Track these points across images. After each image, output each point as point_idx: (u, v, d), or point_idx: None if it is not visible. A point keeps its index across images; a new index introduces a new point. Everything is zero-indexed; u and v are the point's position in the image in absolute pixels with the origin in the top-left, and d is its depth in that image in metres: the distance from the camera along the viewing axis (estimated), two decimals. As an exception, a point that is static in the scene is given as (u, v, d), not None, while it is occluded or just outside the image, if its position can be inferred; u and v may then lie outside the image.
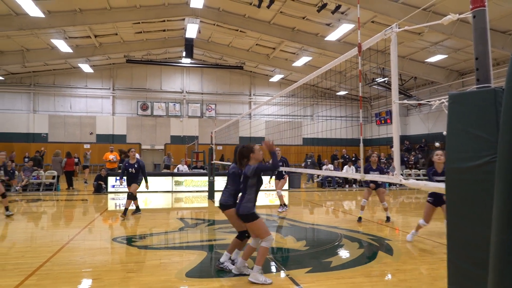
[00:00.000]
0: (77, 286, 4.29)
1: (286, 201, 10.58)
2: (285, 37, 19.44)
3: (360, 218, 8.33)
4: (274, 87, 28.66)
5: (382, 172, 8.23)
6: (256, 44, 21.91)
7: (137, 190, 9.18)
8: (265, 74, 27.96)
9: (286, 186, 15.91)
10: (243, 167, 4.59)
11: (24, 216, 9.31)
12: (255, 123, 26.67)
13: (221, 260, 4.84)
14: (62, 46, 19.40)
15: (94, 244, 6.31)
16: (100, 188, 14.25)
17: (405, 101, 10.27)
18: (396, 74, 3.49)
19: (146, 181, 9.00)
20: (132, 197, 8.97)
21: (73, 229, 7.51)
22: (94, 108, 26.36)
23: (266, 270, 4.86)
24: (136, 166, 8.98)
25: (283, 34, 19.28)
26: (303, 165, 20.00)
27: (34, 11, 14.86)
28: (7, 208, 8.92)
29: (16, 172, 15.32)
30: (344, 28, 16.88)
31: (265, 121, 26.21)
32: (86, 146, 24.85)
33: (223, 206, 4.87)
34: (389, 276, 4.72)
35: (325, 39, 18.67)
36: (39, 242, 6.41)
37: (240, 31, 19.83)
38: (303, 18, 17.50)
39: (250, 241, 4.71)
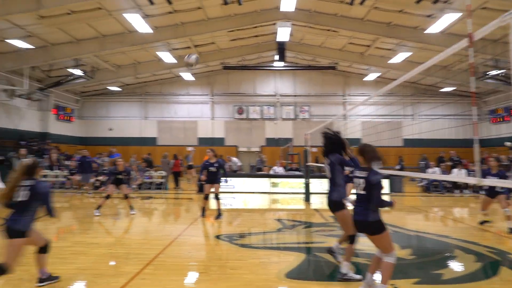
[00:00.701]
0: (186, 278, 4.65)
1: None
2: (381, 33, 18.47)
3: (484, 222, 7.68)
4: (370, 86, 27.44)
5: (503, 177, 7.23)
6: (349, 43, 21.25)
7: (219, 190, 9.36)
8: (360, 73, 26.94)
9: (387, 189, 15.09)
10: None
11: (140, 212, 10.40)
12: (350, 124, 25.87)
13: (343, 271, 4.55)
14: (167, 57, 21.26)
15: (200, 240, 6.77)
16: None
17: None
18: (518, 65, 3.07)
19: (225, 177, 9.72)
20: (215, 197, 9.27)
21: (180, 225, 8.16)
22: (195, 113, 28.33)
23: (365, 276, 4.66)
24: (216, 165, 9.33)
25: (378, 30, 18.36)
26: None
27: (144, 28, 16.56)
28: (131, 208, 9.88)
29: (133, 172, 17.21)
30: (448, 18, 15.39)
31: (361, 122, 25.25)
32: (189, 148, 26.84)
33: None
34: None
35: (426, 32, 17.26)
36: (153, 236, 7.10)
37: (332, 30, 19.44)
38: (400, 11, 16.44)
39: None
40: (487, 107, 25.73)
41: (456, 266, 5.20)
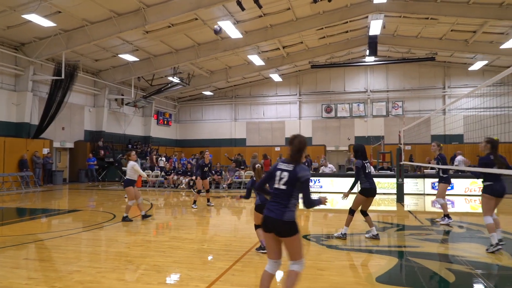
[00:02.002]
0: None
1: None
2: (490, 16, 16.45)
3: None
4: (475, 76, 24.69)
5: None
6: (451, 30, 19.36)
7: None
8: (463, 63, 24.40)
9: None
10: None
11: (229, 210, 10.85)
12: (450, 120, 23.61)
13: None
14: (256, 60, 21.86)
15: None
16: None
17: None
18: None
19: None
20: None
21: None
22: (283, 114, 28.64)
23: (468, 286, 4.19)
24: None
25: (487, 13, 16.38)
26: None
27: (235, 34, 17.25)
28: (194, 202, 11.01)
29: (223, 172, 18.03)
30: None
31: (463, 116, 22.85)
32: (277, 149, 27.18)
33: None
34: None
35: (548, 8, 14.91)
36: (242, 234, 7.33)
37: (431, 18, 17.93)
38: (514, -11, 14.49)
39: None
40: None
41: None
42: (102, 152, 21.08)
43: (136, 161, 8.84)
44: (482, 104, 21.06)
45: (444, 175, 8.02)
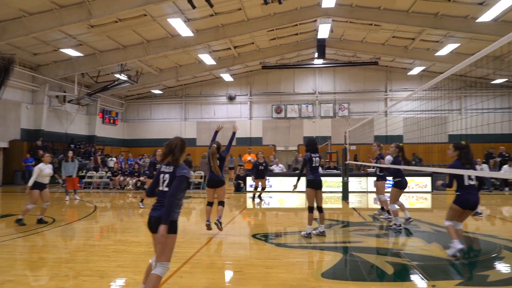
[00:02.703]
0: (222, 276, 4.69)
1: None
2: (427, 25, 17.65)
3: None
4: (414, 81, 26.37)
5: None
6: (393, 37, 20.52)
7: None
8: (403, 68, 25.97)
9: (429, 188, 14.46)
10: None
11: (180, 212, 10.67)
12: (391, 121, 25.00)
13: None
14: (207, 59, 21.69)
15: (236, 239, 6.80)
16: (239, 187, 15.38)
17: None
18: None
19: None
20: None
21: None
22: (233, 114, 28.68)
23: (405, 277, 4.48)
24: (264, 164, 11.89)
25: (424, 22, 17.55)
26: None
27: (186, 32, 16.98)
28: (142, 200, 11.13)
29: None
30: (502, 5, 14.39)
31: (403, 118, 24.30)
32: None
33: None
34: None
35: (477, 21, 16.28)
36: (191, 235, 7.23)
37: (374, 25, 18.87)
38: (449, 0, 15.63)
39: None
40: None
41: (503, 268, 4.87)
42: (41, 152, 19.75)
43: (51, 163, 8.38)
44: (419, 107, 22.51)
45: (381, 174, 8.60)
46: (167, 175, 3.62)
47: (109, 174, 17.74)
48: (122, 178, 17.20)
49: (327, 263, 5.13)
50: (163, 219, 3.41)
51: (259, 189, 12.48)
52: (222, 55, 22.95)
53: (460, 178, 5.41)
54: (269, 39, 21.32)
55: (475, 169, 6.07)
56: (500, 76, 22.79)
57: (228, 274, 4.79)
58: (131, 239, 6.74)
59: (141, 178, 16.90)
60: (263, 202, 12.06)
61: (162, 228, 3.39)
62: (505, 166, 14.42)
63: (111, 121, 27.50)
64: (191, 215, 9.99)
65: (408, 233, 7.08)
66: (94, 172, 18.16)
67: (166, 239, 3.44)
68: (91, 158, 20.80)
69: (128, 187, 16.69)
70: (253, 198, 12.39)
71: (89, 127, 25.73)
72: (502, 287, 4.17)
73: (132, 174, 17.22)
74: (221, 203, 7.04)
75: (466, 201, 5.36)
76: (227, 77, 26.12)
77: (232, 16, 17.68)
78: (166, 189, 3.57)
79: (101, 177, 17.84)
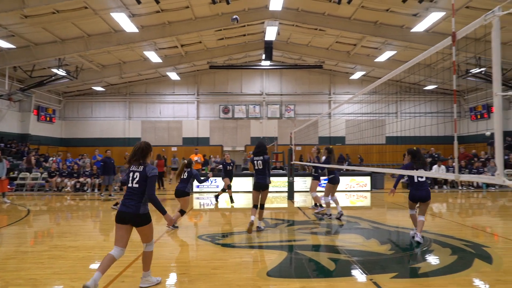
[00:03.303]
0: (166, 279, 4.58)
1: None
2: (367, 32, 18.64)
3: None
4: (355, 85, 27.70)
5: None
6: (336, 42, 21.39)
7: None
8: (346, 72, 27.17)
9: (368, 187, 15.26)
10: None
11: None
12: (335, 123, 26.06)
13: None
14: (153, 57, 21.08)
15: (181, 241, 6.70)
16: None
17: (509, 93, 9.05)
18: (499, 63, 3.11)
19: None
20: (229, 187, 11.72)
21: (162, 226, 8.06)
22: (180, 113, 28.17)
23: (346, 272, 4.69)
24: (232, 164, 11.95)
25: (365, 29, 18.51)
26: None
27: (130, 27, 16.36)
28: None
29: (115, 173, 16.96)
30: (433, 17, 15.63)
31: (345, 120, 25.43)
32: (174, 149, 26.63)
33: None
34: (487, 287, 4.22)
35: (412, 30, 17.49)
36: (134, 237, 6.95)
37: (319, 29, 19.54)
38: (387, 10, 16.62)
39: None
40: (467, 105, 26.22)
41: (432, 260, 5.27)
42: (-35, 151, 17.99)
43: None
44: (360, 109, 23.71)
45: (315, 174, 9.89)
46: (137, 173, 4.15)
47: (45, 175, 16.60)
48: (59, 179, 16.18)
49: (272, 261, 5.21)
50: (161, 212, 4.29)
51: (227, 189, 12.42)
52: (169, 53, 22.45)
53: (411, 177, 6.36)
54: (217, 39, 21.22)
55: (426, 170, 7.05)
56: (430, 83, 24.67)
57: (173, 277, 4.70)
58: (69, 244, 6.36)
59: (81, 179, 16.03)
60: (211, 203, 11.98)
61: (166, 217, 4.44)
62: (435, 166, 15.60)
63: (48, 118, 25.69)
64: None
65: (341, 226, 7.55)
66: (28, 174, 16.89)
67: (150, 228, 4.26)
68: (24, 158, 19.31)
69: (66, 189, 15.74)
70: (216, 197, 12.08)
71: (22, 125, 23.81)
72: (431, 277, 4.51)
73: (70, 175, 16.27)
74: (181, 212, 7.75)
75: (413, 196, 6.40)
76: (173, 75, 25.59)
77: (179, 13, 17.36)
78: (136, 185, 4.12)
79: (35, 179, 16.64)
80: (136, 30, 17.00)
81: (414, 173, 5.84)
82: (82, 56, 19.97)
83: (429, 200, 6.39)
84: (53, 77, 20.89)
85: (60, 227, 8.18)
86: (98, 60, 21.77)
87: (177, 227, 7.76)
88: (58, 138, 27.36)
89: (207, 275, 4.66)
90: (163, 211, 4.25)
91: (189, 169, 7.99)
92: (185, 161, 8.17)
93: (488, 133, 15.41)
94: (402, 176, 6.77)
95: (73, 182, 15.92)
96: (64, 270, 4.89)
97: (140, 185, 4.10)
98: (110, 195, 13.70)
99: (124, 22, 15.69)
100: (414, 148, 6.72)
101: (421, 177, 6.39)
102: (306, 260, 5.28)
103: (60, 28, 16.92)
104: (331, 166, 8.54)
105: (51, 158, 19.09)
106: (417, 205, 6.51)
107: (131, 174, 4.16)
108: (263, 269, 4.87)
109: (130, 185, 4.13)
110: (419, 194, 6.33)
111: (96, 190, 15.65)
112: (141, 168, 4.16)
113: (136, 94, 28.07)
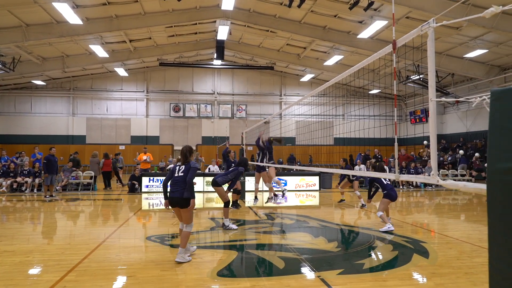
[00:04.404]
0: (113, 283, 4.42)
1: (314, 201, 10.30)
2: (316, 36, 19.23)
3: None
4: (305, 87, 28.45)
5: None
6: (287, 44, 21.83)
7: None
8: (296, 74, 27.81)
9: (317, 186, 15.75)
10: None
11: (64, 215, 9.73)
12: (285, 123, 26.58)
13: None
14: (99, 51, 20.16)
15: (129, 243, 6.49)
16: (134, 188, 14.66)
17: (443, 99, 9.85)
18: (433, 71, 3.37)
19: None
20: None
21: (109, 227, 7.76)
22: (129, 111, 27.22)
23: (295, 270, 4.83)
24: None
25: (314, 33, 19.09)
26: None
27: (73, 19, 15.52)
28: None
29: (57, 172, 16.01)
30: (377, 25, 16.49)
31: (295, 121, 26.03)
32: (121, 147, 25.69)
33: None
34: (425, 279, 4.55)
35: (358, 36, 18.33)
36: (78, 240, 6.67)
37: (270, 31, 19.83)
38: (335, 16, 17.26)
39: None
40: (407, 109, 27.95)
41: (376, 256, 5.57)
42: None
43: None
44: (309, 111, 24.40)
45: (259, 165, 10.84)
46: (182, 167, 5.38)
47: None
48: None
49: (222, 261, 5.22)
50: (191, 196, 5.25)
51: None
52: (116, 47, 21.60)
53: (380, 181, 7.65)
54: (167, 35, 20.78)
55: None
56: (374, 87, 26.01)
57: (120, 280, 4.54)
58: (4, 248, 5.92)
59: (18, 179, 14.94)
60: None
61: (192, 202, 5.26)
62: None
63: (-21, 113, 23.65)
64: (79, 219, 9.19)
65: (290, 225, 7.66)
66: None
67: (190, 211, 5.27)
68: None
69: (1, 189, 14.59)
70: None
71: None
72: (374, 272, 4.78)
73: (6, 175, 15.10)
74: None
75: (391, 196, 7.49)
76: (121, 71, 24.65)
77: (127, 7, 16.77)
78: (181, 174, 5.28)
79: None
80: (80, 22, 16.19)
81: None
82: (20, 47, 18.62)
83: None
84: (-14, 69, 19.28)
85: (-7, 231, 7.57)
86: (38, 52, 20.42)
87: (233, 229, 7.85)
88: (-8, 134, 25.30)
89: (155, 277, 4.56)
90: (193, 195, 5.26)
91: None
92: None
93: (426, 142, 16.60)
94: (377, 188, 7.91)
95: (9, 182, 14.80)
96: (-2, 277, 4.55)
97: (184, 174, 5.24)
98: (51, 195, 12.89)
99: (67, 13, 14.86)
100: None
101: (387, 180, 7.73)
102: (256, 259, 5.36)
103: (-5, 16, 15.67)
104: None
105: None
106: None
107: (177, 168, 5.39)
108: (213, 270, 4.86)
109: (176, 175, 5.31)
110: (395, 194, 7.53)
111: (35, 190, 14.66)
112: (185, 164, 5.38)
113: (80, 89, 26.68)
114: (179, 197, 5.15)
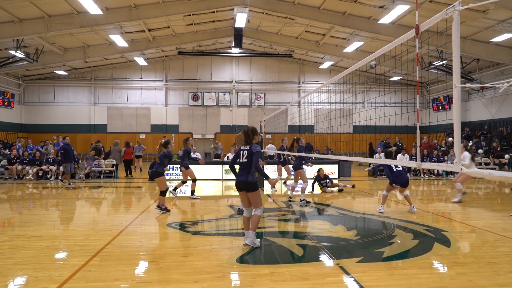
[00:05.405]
0: (135, 268, 4.54)
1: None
2: (336, 22, 18.84)
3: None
4: (324, 74, 28.07)
5: None
6: (306, 31, 21.51)
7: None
8: (315, 62, 27.44)
9: (336, 175, 15.63)
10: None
11: (87, 202, 10.01)
12: (304, 111, 26.38)
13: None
14: (119, 41, 20.37)
15: (150, 229, 6.63)
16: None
17: (468, 85, 9.53)
18: (458, 56, 3.26)
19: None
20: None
21: (131, 214, 7.95)
22: (148, 100, 27.54)
23: (314, 258, 4.84)
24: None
25: (334, 19, 18.71)
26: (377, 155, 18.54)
27: (94, 9, 15.70)
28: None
29: (80, 160, 16.46)
30: (399, 10, 16.02)
31: (314, 109, 25.78)
32: (142, 136, 26.10)
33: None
34: (446, 268, 4.49)
35: (378, 22, 17.87)
36: (101, 226, 6.86)
37: (289, 18, 19.55)
38: (355, 1, 16.85)
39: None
40: (430, 96, 27.24)
41: (396, 244, 5.52)
42: None
43: None
44: (328, 99, 24.10)
45: (281, 160, 10.90)
46: (245, 151, 5.36)
47: (4, 162, 15.83)
48: (20, 167, 15.49)
49: (242, 248, 5.27)
50: (265, 177, 5.37)
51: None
52: (136, 37, 21.78)
53: (390, 167, 8.04)
54: (185, 24, 20.78)
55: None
56: (395, 74, 25.41)
57: (142, 265, 4.66)
58: (31, 233, 6.15)
59: (44, 167, 15.42)
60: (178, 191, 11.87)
61: (270, 181, 5.64)
62: (399, 155, 16.20)
63: (6, 103, 24.38)
64: (101, 206, 9.45)
65: (308, 213, 7.66)
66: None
67: (256, 195, 5.27)
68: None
69: (28, 177, 15.11)
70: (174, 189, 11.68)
71: (-24, 110, 22.54)
72: (394, 261, 4.73)
73: (32, 163, 15.61)
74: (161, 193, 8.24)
75: (394, 182, 7.97)
76: (141, 61, 24.89)
77: (146, -4, 16.84)
78: (245, 160, 5.32)
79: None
80: (100, 12, 16.35)
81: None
82: (43, 38, 19.01)
83: (408, 185, 7.97)
84: (11, 59, 19.78)
85: (22, 216, 7.88)
86: (60, 42, 20.81)
87: (169, 210, 8.08)
88: (18, 123, 26.09)
89: (176, 263, 4.65)
90: (266, 176, 5.35)
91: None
92: (162, 141, 8.60)
93: (507, 156, 16.41)
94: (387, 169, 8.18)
95: (35, 169, 15.29)
96: (26, 260, 4.74)
97: (248, 160, 5.27)
98: (69, 184, 13.15)
99: (87, 3, 15.03)
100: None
101: (398, 167, 8.01)
102: (275, 246, 5.39)
103: (18, 7, 15.98)
104: (304, 154, 9.12)
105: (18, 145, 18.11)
106: (394, 189, 8.26)
107: (241, 153, 5.40)
108: (233, 256, 4.92)
109: (240, 160, 5.37)
110: (399, 181, 7.90)
111: (60, 178, 15.12)
112: (247, 147, 5.35)
113: (101, 79, 27.13)
114: (244, 181, 5.24)
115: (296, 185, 9.97)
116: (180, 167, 10.66)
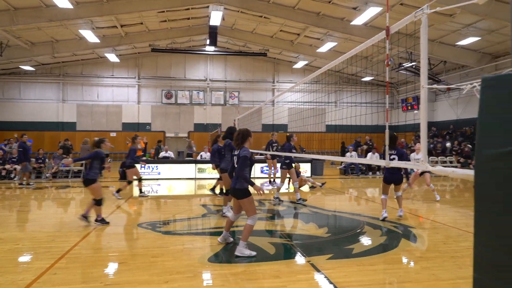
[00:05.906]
0: (104, 269, 4.42)
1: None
2: (310, 22, 19.03)
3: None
4: (298, 74, 28.31)
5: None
6: (280, 30, 21.61)
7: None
8: (289, 61, 27.63)
9: (308, 173, 15.83)
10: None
11: (54, 202, 9.68)
12: (278, 110, 26.52)
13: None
14: (90, 36, 19.77)
15: (120, 230, 6.48)
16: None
17: (435, 86, 9.89)
18: (426, 58, 3.36)
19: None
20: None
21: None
22: (120, 97, 26.91)
23: (286, 256, 4.87)
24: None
25: (308, 19, 18.89)
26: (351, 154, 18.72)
27: (63, 2, 15.17)
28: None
29: (47, 159, 15.88)
30: (371, 12, 16.36)
31: (288, 108, 25.95)
32: (112, 134, 25.49)
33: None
34: (412, 263, 4.64)
35: (351, 23, 18.19)
36: (68, 227, 6.63)
37: (264, 17, 19.58)
38: (329, 2, 17.07)
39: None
40: (399, 96, 28.01)
41: (365, 241, 5.65)
42: None
43: None
44: (302, 98, 24.34)
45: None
46: (236, 156, 5.08)
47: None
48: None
49: (213, 248, 5.24)
50: (250, 184, 4.87)
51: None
52: (107, 33, 21.21)
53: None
54: (159, 20, 20.43)
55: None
56: (367, 74, 25.97)
57: (111, 267, 4.54)
58: (-7, 236, 5.88)
59: (7, 166, 14.77)
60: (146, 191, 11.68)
61: (255, 187, 4.88)
62: (370, 153, 16.57)
63: (-34, 99, 23.20)
64: (69, 206, 9.15)
65: (282, 211, 7.71)
66: None
67: (247, 202, 4.91)
68: None
69: (24, 178, 14.40)
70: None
71: None
72: (363, 257, 4.84)
73: (-6, 162, 14.92)
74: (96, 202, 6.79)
75: (387, 179, 7.26)
76: (112, 57, 24.27)
77: (118, -9, 16.43)
78: (236, 166, 5.00)
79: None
80: (70, 6, 15.83)
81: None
82: (8, 32, 18.18)
83: (402, 182, 7.37)
84: (-27, 53, 18.85)
85: (-17, 218, 7.51)
86: (27, 36, 19.98)
87: (107, 222, 6.69)
88: (-21, 121, 24.91)
89: (147, 263, 4.57)
90: (251, 184, 4.88)
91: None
92: (131, 138, 8.32)
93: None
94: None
95: (-2, 169, 14.63)
96: (-13, 264, 4.52)
97: (238, 165, 4.93)
98: (29, 183, 12.66)
99: (56, -4, 14.53)
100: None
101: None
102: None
103: (-19, -1, 15.25)
104: (277, 153, 9.09)
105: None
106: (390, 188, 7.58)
107: (235, 157, 5.12)
108: (205, 255, 4.88)
109: (235, 165, 5.08)
110: (392, 177, 7.26)
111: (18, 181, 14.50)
112: (238, 151, 5.03)
113: (70, 75, 26.26)
114: (233, 187, 4.96)
115: (282, 185, 9.53)
116: (123, 167, 10.32)
